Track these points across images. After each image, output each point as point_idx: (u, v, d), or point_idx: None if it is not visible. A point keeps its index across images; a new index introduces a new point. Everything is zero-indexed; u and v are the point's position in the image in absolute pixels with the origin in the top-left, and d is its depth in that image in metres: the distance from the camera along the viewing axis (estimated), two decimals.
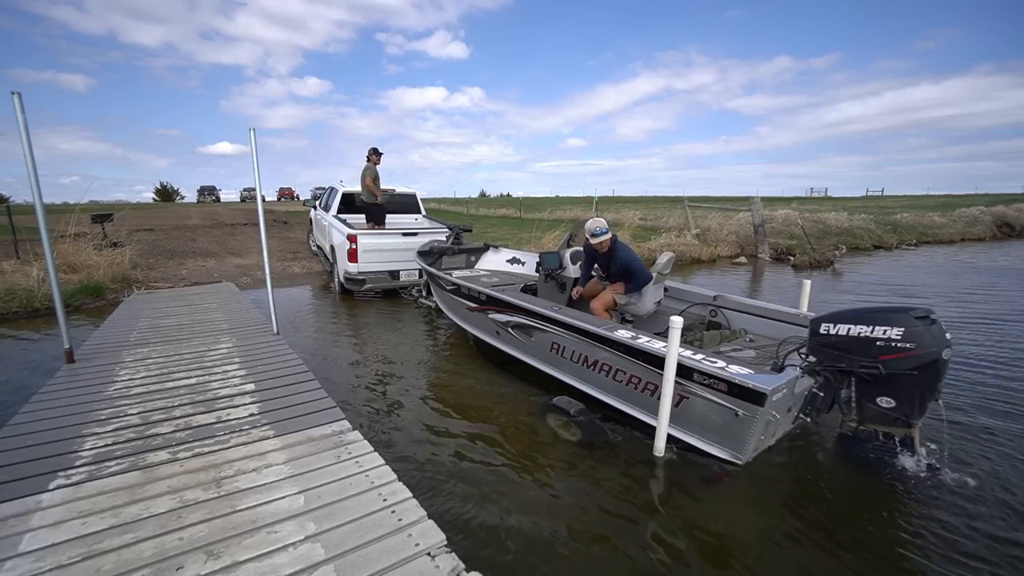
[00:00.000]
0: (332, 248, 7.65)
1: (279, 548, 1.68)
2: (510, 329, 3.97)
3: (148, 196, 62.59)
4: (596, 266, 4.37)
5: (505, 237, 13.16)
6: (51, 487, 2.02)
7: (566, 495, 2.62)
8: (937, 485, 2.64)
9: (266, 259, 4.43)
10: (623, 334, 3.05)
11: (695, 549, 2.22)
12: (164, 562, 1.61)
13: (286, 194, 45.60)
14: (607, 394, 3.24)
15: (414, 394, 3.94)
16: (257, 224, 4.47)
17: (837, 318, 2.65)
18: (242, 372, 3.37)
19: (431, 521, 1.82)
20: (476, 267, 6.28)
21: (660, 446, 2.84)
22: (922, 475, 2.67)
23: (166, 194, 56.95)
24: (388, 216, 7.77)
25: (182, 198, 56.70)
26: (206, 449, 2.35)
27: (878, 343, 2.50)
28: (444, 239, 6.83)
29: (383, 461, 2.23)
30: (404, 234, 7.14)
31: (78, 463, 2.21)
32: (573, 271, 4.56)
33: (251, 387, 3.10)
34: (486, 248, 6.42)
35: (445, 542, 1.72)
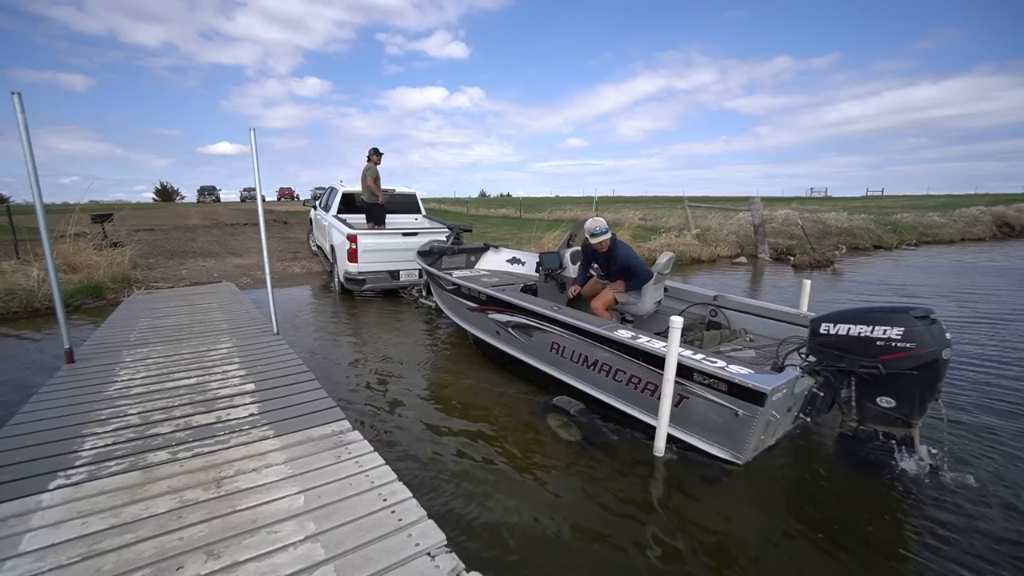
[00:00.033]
0: (332, 248, 7.65)
1: (279, 548, 1.68)
2: (510, 329, 3.97)
3: (148, 196, 62.67)
4: (595, 266, 4.37)
5: (505, 237, 13.17)
6: (51, 487, 2.02)
7: (566, 495, 2.62)
8: (937, 485, 2.64)
9: (266, 259, 4.44)
10: (623, 334, 3.05)
11: (695, 549, 2.22)
12: (164, 562, 1.61)
13: (286, 194, 45.60)
14: (607, 394, 3.24)
15: (414, 394, 3.94)
16: (257, 224, 4.47)
17: (837, 318, 2.65)
18: (242, 372, 3.37)
19: (431, 521, 1.82)
20: (476, 267, 6.28)
21: (660, 446, 2.84)
22: (922, 475, 2.67)
23: (166, 194, 56.96)
24: (388, 216, 7.77)
25: (182, 198, 56.73)
26: (206, 449, 2.35)
27: (878, 343, 2.50)
28: (444, 239, 6.83)
29: (383, 461, 2.23)
30: (404, 234, 7.14)
31: (78, 463, 2.21)
32: (573, 271, 4.56)
33: (251, 387, 3.10)
34: (486, 248, 6.42)
35: (445, 542, 1.72)
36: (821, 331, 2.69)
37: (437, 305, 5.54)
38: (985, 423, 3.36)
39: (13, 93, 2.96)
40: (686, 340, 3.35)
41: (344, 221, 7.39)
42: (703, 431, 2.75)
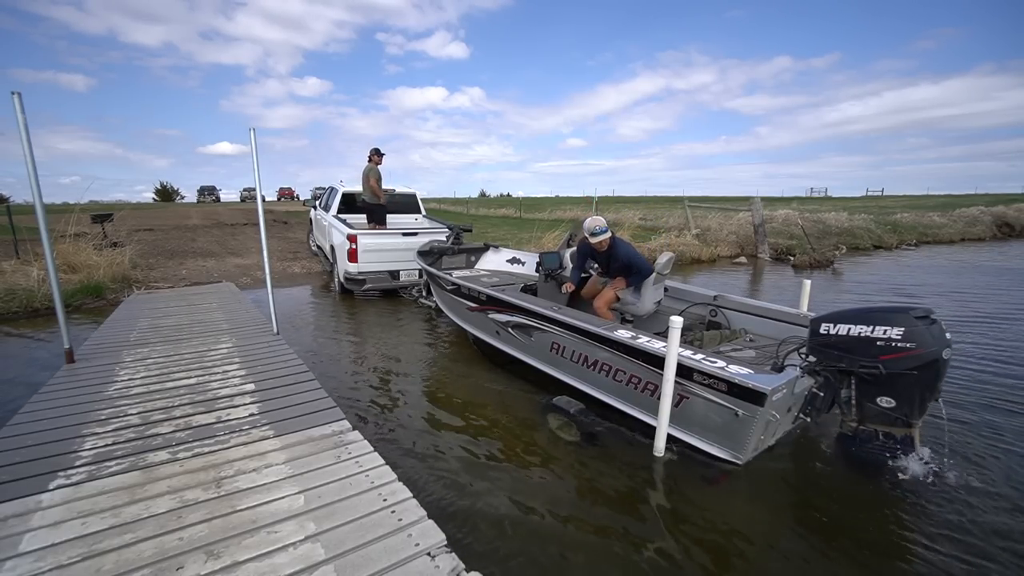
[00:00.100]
0: (332, 248, 7.65)
1: (279, 548, 1.68)
2: (510, 329, 3.97)
3: (148, 196, 62.69)
4: (595, 265, 4.37)
5: (505, 237, 13.17)
6: (51, 487, 2.02)
7: (566, 495, 2.62)
8: (938, 484, 2.64)
9: (266, 259, 4.44)
10: (623, 334, 3.05)
11: (695, 549, 2.22)
12: (164, 562, 1.61)
13: (286, 194, 45.60)
14: (607, 394, 3.24)
15: (414, 394, 3.94)
16: (257, 224, 4.47)
17: (837, 318, 2.65)
18: (242, 372, 3.37)
19: (431, 521, 1.82)
20: (476, 267, 6.28)
21: (660, 446, 2.85)
22: (923, 474, 2.67)
23: (166, 194, 56.97)
24: (388, 216, 7.77)
25: (182, 198, 56.74)
26: (206, 449, 2.35)
27: (878, 343, 2.50)
28: (444, 239, 6.83)
29: (383, 461, 2.23)
30: (404, 234, 7.14)
31: (78, 463, 2.21)
32: None
33: (251, 387, 3.10)
34: (486, 248, 6.42)
35: (445, 542, 1.72)
36: (821, 331, 2.69)
37: (437, 305, 5.54)
38: (987, 421, 3.36)
39: (13, 93, 2.96)
40: (686, 340, 3.35)
41: (344, 221, 7.39)
42: (703, 431, 2.75)
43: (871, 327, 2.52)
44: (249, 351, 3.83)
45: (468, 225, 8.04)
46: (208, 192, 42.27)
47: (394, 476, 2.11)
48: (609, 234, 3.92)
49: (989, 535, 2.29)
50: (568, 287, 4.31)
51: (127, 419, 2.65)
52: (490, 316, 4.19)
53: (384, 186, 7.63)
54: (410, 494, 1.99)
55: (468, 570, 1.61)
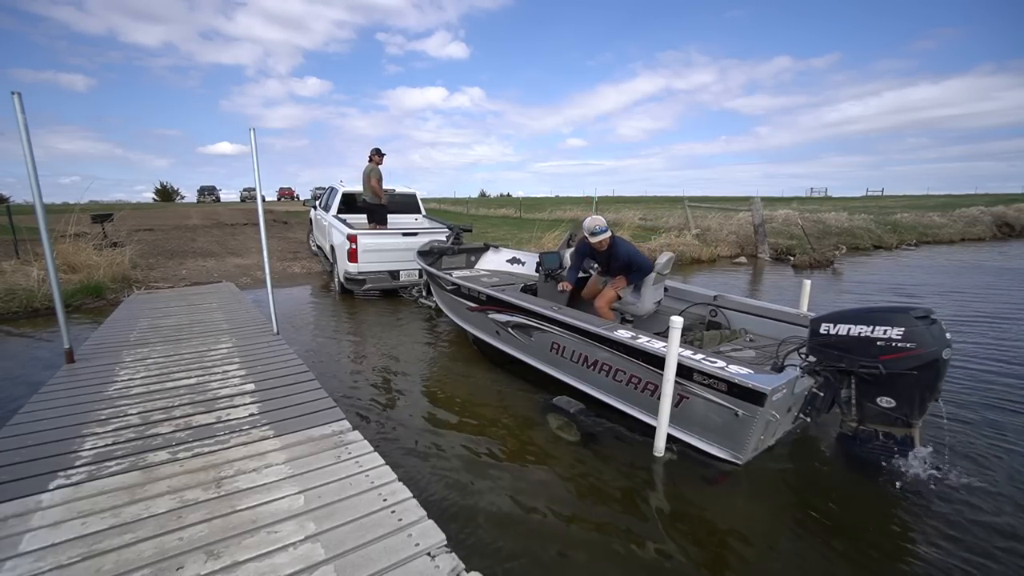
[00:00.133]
0: (332, 248, 7.65)
1: (279, 548, 1.68)
2: (510, 329, 3.97)
3: (148, 196, 62.70)
4: (595, 265, 4.36)
5: (505, 237, 13.17)
6: (51, 487, 2.02)
7: (566, 495, 2.62)
8: (939, 484, 2.64)
9: (266, 259, 4.43)
10: (623, 334, 3.05)
11: (695, 549, 2.22)
12: (164, 562, 1.61)
13: (286, 194, 45.61)
14: (607, 394, 3.24)
15: (414, 394, 3.94)
16: (257, 224, 4.47)
17: (837, 318, 2.65)
18: (242, 372, 3.37)
19: (431, 521, 1.82)
20: (476, 267, 6.28)
21: (660, 446, 2.84)
22: (923, 474, 2.67)
23: (166, 194, 56.97)
24: (388, 216, 7.77)
25: (182, 198, 56.74)
26: (206, 449, 2.35)
27: (878, 343, 2.50)
28: (444, 239, 6.83)
29: (383, 461, 2.23)
30: (404, 234, 7.14)
31: (78, 463, 2.21)
32: None
33: (251, 387, 3.10)
34: (486, 248, 6.42)
35: (445, 542, 1.72)
36: (821, 331, 2.69)
37: (437, 305, 5.54)
38: (989, 420, 3.36)
39: (13, 93, 2.96)
40: (686, 340, 3.34)
41: (344, 221, 7.39)
42: (703, 431, 2.75)
43: (871, 327, 2.52)
44: (249, 351, 3.83)
45: (468, 225, 8.04)
46: (208, 192, 42.28)
47: (394, 476, 2.11)
48: (609, 233, 3.92)
49: (991, 535, 2.29)
50: (564, 286, 4.31)
51: (127, 419, 2.65)
52: (490, 316, 4.19)
53: (384, 186, 7.64)
54: (410, 494, 1.99)
55: (468, 570, 1.61)
